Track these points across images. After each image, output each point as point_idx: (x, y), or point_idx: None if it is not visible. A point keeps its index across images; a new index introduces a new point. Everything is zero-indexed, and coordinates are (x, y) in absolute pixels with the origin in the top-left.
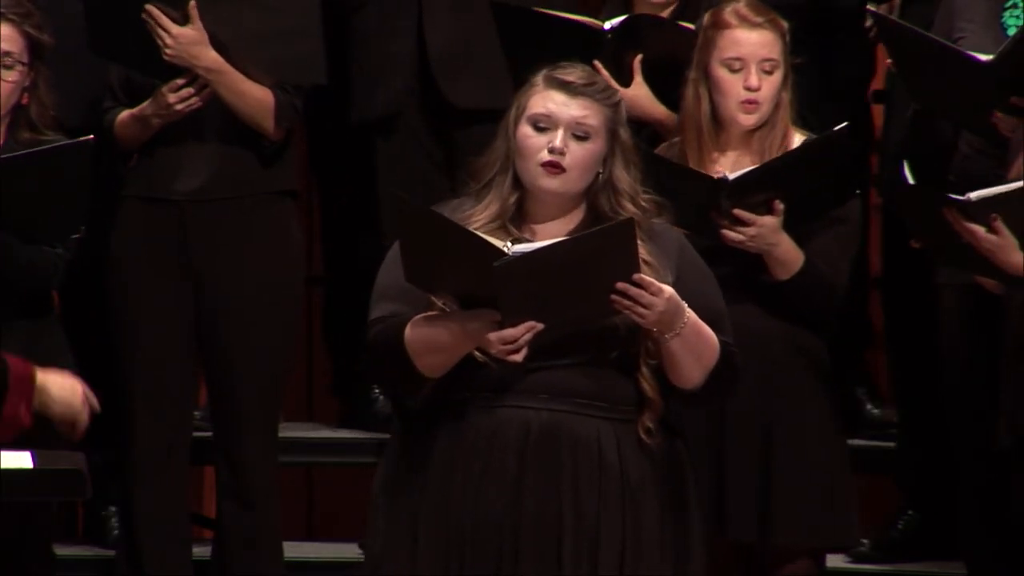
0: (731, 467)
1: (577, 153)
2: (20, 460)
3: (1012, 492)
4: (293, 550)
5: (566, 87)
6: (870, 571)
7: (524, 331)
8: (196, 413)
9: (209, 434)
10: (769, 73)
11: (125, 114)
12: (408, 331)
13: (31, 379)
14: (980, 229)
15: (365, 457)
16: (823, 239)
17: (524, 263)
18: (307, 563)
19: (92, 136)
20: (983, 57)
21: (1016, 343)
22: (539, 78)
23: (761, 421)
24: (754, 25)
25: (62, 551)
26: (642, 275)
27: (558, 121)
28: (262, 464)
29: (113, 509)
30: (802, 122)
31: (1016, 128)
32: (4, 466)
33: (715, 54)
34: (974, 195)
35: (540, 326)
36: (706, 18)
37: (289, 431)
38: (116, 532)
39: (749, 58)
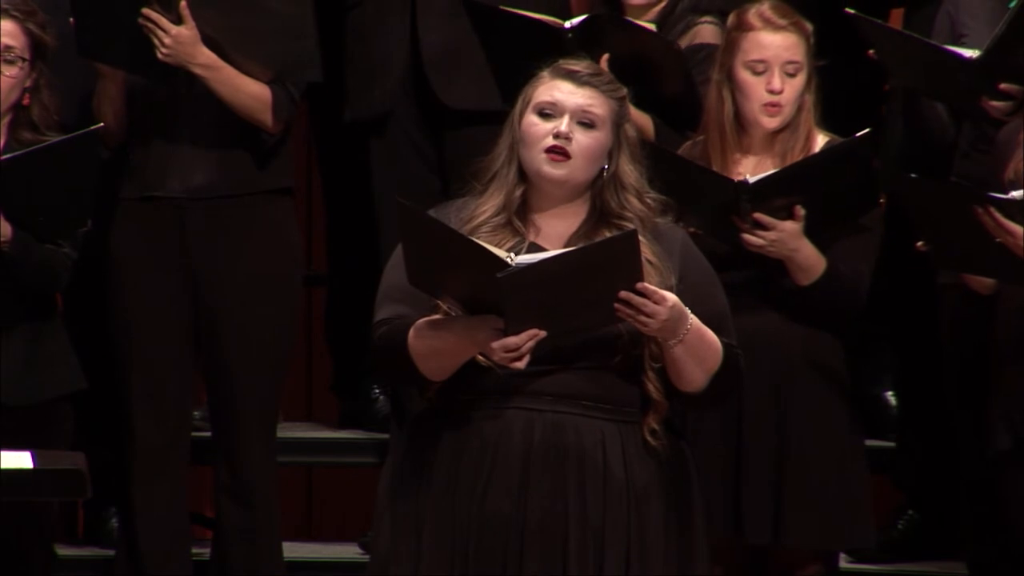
0: (747, 470)
1: (582, 141)
2: (20, 460)
3: (1008, 492)
4: (293, 550)
5: (572, 76)
6: (870, 571)
7: (527, 339)
8: (196, 413)
9: (209, 434)
10: (792, 76)
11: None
12: (411, 336)
13: None
14: (1019, 228)
15: (365, 457)
16: (845, 245)
17: (528, 274)
18: (307, 563)
19: (101, 124)
20: (967, 53)
21: (1009, 345)
22: (545, 70)
23: (776, 424)
24: (778, 28)
25: (62, 551)
26: (645, 284)
27: (564, 108)
28: (262, 464)
29: (113, 509)
30: (826, 125)
31: (1008, 111)
32: (4, 466)
33: (739, 56)
34: (1017, 194)
35: (543, 334)
36: (730, 20)
37: (289, 431)
38: (116, 532)
39: (772, 60)
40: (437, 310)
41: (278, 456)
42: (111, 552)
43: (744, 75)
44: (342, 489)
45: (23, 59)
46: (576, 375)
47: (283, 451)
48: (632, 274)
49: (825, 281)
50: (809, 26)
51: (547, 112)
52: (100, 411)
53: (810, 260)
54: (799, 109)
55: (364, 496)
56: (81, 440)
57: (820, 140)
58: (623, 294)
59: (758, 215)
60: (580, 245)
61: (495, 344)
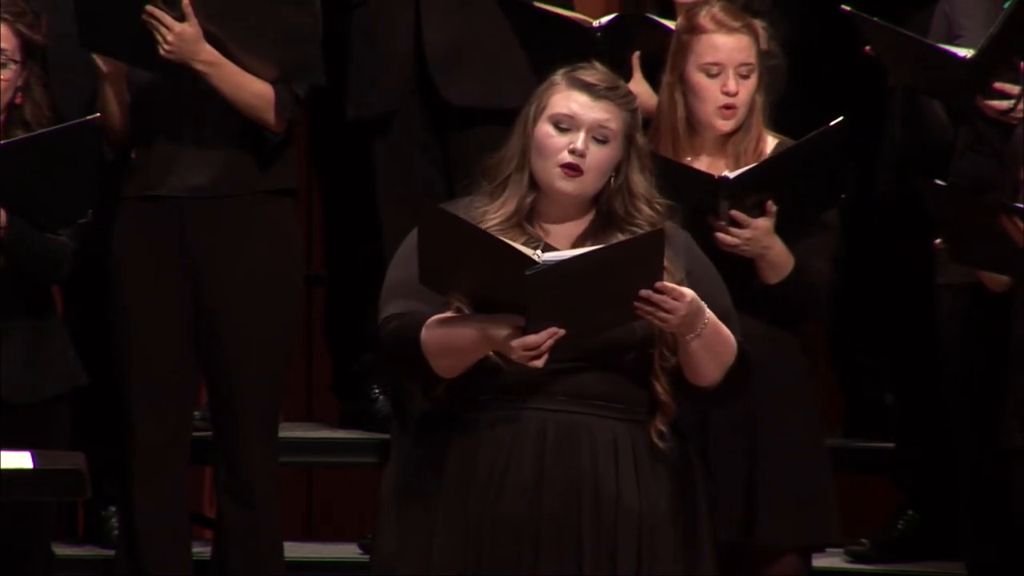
0: (716, 467)
1: (596, 156)
2: (20, 460)
3: (1017, 490)
4: (293, 550)
5: (589, 89)
6: (870, 571)
7: (547, 337)
8: (196, 413)
9: (209, 434)
10: (745, 77)
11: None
12: (424, 332)
13: None
14: None
15: (365, 457)
16: (807, 243)
17: (556, 272)
18: (307, 563)
19: (98, 114)
20: (962, 52)
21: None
22: (560, 77)
23: (744, 423)
24: (731, 30)
25: (62, 551)
26: (664, 282)
27: (580, 123)
28: (262, 464)
29: (113, 509)
30: (774, 125)
31: (1003, 110)
32: (4, 466)
33: (692, 59)
34: None
35: (562, 332)
36: (680, 23)
37: (289, 431)
38: (116, 532)
39: (727, 63)
40: (447, 306)
41: (278, 456)
42: (111, 552)
43: (698, 77)
44: (342, 489)
45: (14, 60)
46: (588, 374)
47: (283, 451)
48: (653, 272)
49: (793, 279)
50: (759, 27)
51: (563, 126)
52: (100, 410)
53: (780, 257)
54: (751, 111)
55: (364, 496)
56: (81, 439)
57: (770, 141)
58: (643, 292)
59: (735, 213)
60: (609, 243)
61: (515, 342)
